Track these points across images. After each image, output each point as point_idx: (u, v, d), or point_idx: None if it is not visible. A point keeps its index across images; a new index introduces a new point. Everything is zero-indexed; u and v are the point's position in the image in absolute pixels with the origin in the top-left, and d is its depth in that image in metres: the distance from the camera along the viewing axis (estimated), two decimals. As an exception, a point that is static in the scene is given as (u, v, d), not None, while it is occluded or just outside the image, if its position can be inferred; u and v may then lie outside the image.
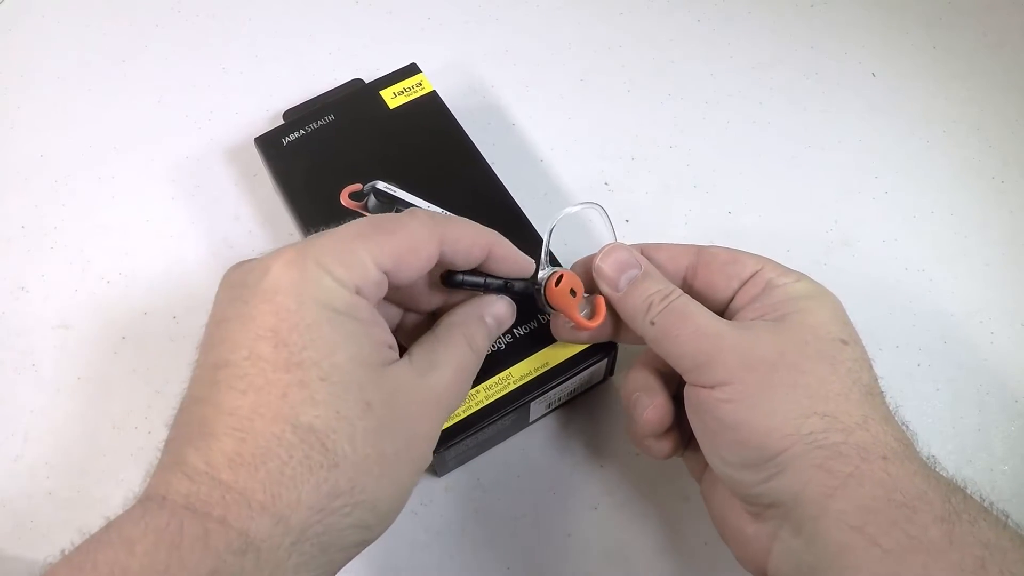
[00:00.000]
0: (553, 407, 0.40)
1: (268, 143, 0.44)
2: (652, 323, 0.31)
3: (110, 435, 0.40)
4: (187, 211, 0.47)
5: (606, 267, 0.33)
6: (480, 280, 0.32)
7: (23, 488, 0.39)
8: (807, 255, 0.46)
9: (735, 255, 0.33)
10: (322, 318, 0.25)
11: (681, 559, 0.37)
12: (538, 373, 0.36)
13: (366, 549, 0.38)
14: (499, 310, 0.33)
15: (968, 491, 0.26)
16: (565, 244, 0.40)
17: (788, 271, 0.32)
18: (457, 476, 0.39)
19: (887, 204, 0.48)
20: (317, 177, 0.42)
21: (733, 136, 0.50)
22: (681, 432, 0.35)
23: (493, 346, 0.37)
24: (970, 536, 0.24)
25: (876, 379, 0.29)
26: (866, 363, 0.29)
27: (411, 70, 0.46)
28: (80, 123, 0.51)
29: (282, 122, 0.46)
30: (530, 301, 0.35)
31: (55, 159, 0.49)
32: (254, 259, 0.27)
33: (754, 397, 0.28)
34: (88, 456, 0.40)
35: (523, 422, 0.39)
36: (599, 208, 0.36)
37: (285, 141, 0.43)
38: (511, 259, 0.32)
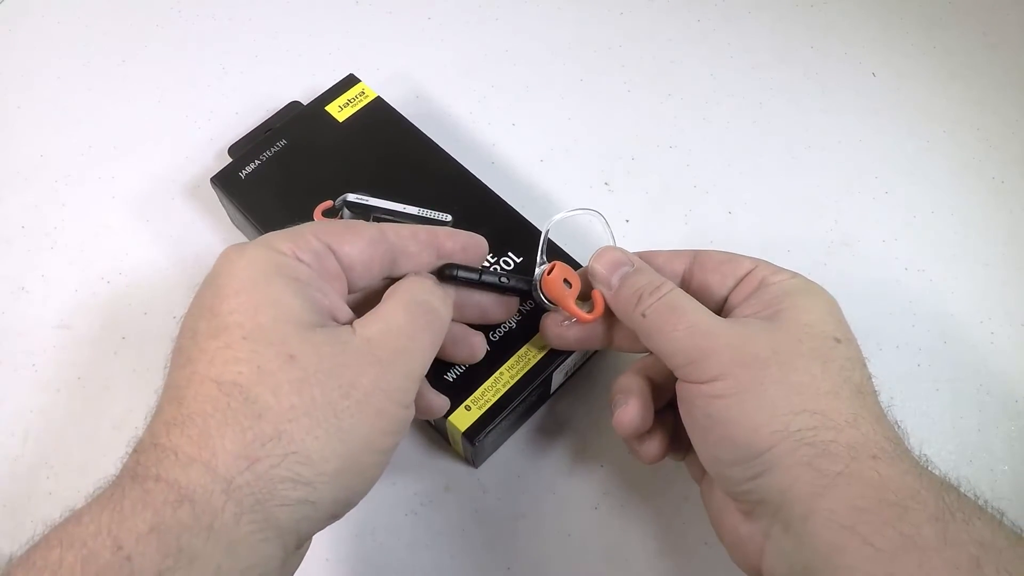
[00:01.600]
0: (570, 374, 0.40)
1: (225, 180, 0.42)
2: (644, 315, 0.31)
3: (110, 435, 0.40)
4: (187, 210, 0.47)
5: (599, 266, 0.33)
6: (475, 276, 0.33)
7: (23, 488, 0.39)
8: (807, 255, 0.46)
9: (731, 255, 0.33)
10: (249, 282, 0.27)
11: (681, 559, 0.37)
12: None
13: (365, 550, 0.38)
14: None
15: (962, 489, 0.26)
16: (563, 246, 0.40)
17: (782, 270, 0.32)
18: (457, 476, 0.39)
19: (887, 204, 0.48)
20: (286, 203, 0.41)
21: (733, 136, 0.50)
22: (676, 439, 0.35)
23: (503, 328, 0.37)
24: (964, 534, 0.24)
25: (869, 378, 0.29)
26: (859, 362, 0.29)
27: (350, 81, 0.46)
28: (80, 123, 0.51)
29: (229, 159, 0.45)
30: (528, 298, 0.35)
31: (55, 159, 0.49)
32: None
33: (744, 393, 0.28)
34: (88, 456, 0.40)
35: (545, 395, 0.40)
36: (598, 215, 0.36)
37: (243, 175, 0.42)
38: (457, 236, 0.33)
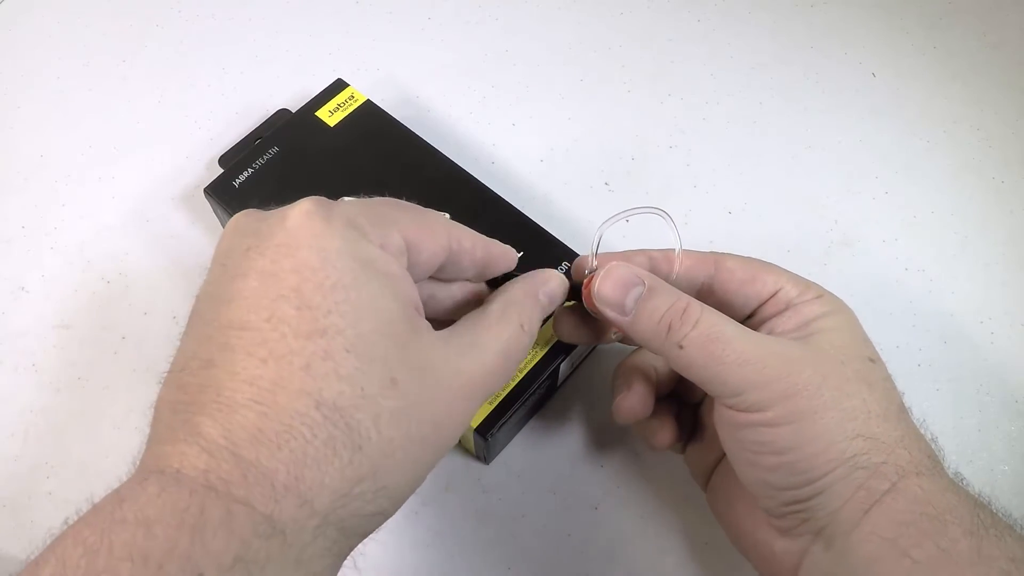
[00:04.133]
0: (576, 364, 0.40)
1: (220, 190, 0.42)
2: (680, 347, 0.29)
3: (110, 435, 0.40)
4: (187, 210, 0.47)
5: (607, 290, 0.30)
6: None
7: (23, 488, 0.39)
8: (807, 255, 0.46)
9: (752, 272, 0.32)
10: (347, 276, 0.23)
11: (681, 559, 0.37)
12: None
13: (365, 549, 0.38)
14: (553, 288, 0.31)
15: (993, 507, 0.27)
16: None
17: (807, 287, 0.31)
18: (458, 476, 0.39)
19: (887, 204, 0.48)
20: None
21: (733, 136, 0.50)
22: (680, 428, 0.35)
23: None
24: (997, 550, 0.25)
25: (901, 395, 0.29)
26: (891, 380, 0.29)
27: (339, 86, 0.45)
28: (80, 123, 0.51)
29: (220, 169, 0.44)
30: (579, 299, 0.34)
31: (55, 159, 0.49)
32: (267, 211, 0.26)
33: (799, 422, 0.27)
34: (88, 456, 0.40)
35: (553, 387, 0.40)
36: (662, 214, 0.33)
37: (236, 183, 0.42)
38: (506, 257, 0.31)
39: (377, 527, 0.25)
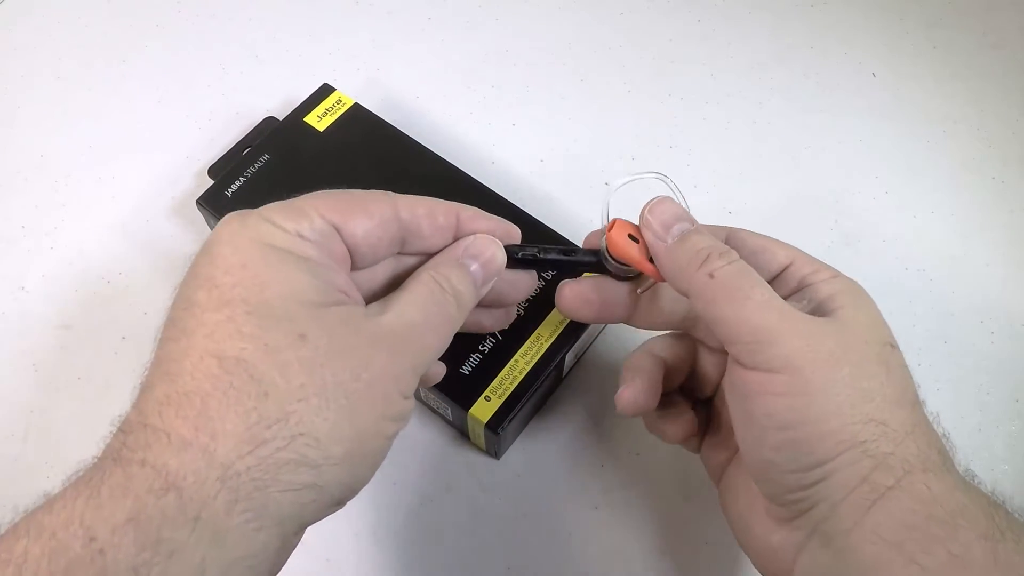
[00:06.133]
0: (579, 355, 0.40)
1: (212, 200, 0.42)
2: (711, 275, 0.27)
3: (110, 435, 0.40)
4: (187, 211, 0.47)
5: (657, 214, 0.30)
6: (534, 250, 0.32)
7: (23, 488, 0.39)
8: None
9: (764, 243, 0.31)
10: (256, 256, 0.25)
11: (681, 559, 0.37)
12: (564, 326, 0.38)
13: (365, 550, 0.38)
14: (479, 248, 0.30)
15: (1008, 508, 0.25)
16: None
17: (822, 265, 0.30)
18: (458, 476, 0.39)
19: (887, 204, 0.48)
20: None
21: (733, 136, 0.50)
22: (696, 423, 0.34)
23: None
24: (1016, 556, 0.23)
25: (917, 386, 0.28)
26: (908, 369, 0.28)
27: (325, 90, 0.45)
28: (80, 123, 0.51)
29: (210, 180, 0.44)
30: (600, 270, 0.33)
31: (55, 159, 0.49)
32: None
33: (813, 395, 0.25)
34: (88, 456, 0.40)
35: (559, 379, 0.40)
36: (665, 178, 0.33)
37: (230, 193, 0.42)
38: (482, 220, 0.31)
39: (310, 484, 0.23)
